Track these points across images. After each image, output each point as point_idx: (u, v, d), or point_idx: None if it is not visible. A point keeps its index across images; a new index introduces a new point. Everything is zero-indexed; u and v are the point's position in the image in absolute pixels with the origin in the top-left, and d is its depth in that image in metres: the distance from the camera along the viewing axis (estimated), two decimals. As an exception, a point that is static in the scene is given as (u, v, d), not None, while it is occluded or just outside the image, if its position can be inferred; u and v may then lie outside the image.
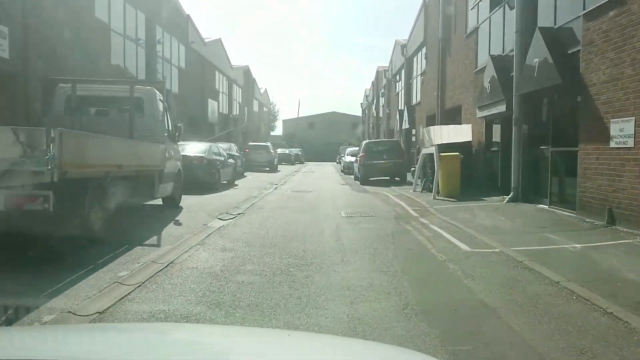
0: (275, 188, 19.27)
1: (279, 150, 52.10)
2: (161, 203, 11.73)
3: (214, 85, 33.63)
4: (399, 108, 32.29)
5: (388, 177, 21.47)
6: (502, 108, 13.17)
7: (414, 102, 28.03)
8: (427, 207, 12.90)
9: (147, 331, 2.24)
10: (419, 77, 26.93)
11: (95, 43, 15.94)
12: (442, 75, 20.94)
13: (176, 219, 10.33)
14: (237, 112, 42.03)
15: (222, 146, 24.31)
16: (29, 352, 1.59)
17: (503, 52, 14.15)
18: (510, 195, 12.68)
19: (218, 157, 18.24)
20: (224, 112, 36.78)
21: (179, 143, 19.64)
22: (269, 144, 34.37)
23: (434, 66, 22.53)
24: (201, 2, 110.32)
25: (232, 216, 10.89)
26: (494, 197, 13.94)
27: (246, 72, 45.96)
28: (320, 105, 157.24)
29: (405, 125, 28.60)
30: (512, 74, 13.00)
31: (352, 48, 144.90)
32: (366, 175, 21.07)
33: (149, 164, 9.89)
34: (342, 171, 33.45)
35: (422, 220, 10.75)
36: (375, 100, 49.01)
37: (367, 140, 23.07)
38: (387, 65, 39.77)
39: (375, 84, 48.52)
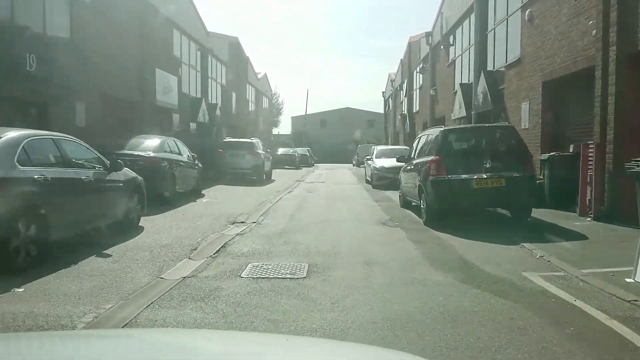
0: (221, 250, 7.33)
1: (280, 151, 40.39)
2: None
3: (169, 51, 21.83)
4: (461, 82, 20.31)
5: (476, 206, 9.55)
6: None
7: (501, 63, 15.99)
8: None
9: (144, 337, 2.17)
10: (512, 18, 14.91)
11: None
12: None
13: None
14: (218, 97, 30.26)
15: (145, 145, 12.59)
16: (25, 358, 1.60)
17: None
18: None
19: (62, 174, 6.45)
20: (192, 94, 24.99)
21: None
22: (255, 140, 22.50)
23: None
24: (202, 2, 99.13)
25: None
26: None
27: (234, 45, 34.14)
28: (329, 105, 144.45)
29: (484, 107, 16.57)
30: None
31: (353, 47, 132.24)
32: (443, 205, 9.12)
33: None
34: (367, 181, 21.70)
35: None
36: (406, 84, 36.97)
37: (444, 128, 10.29)
38: (422, 33, 27.79)
39: (407, 61, 36.49)
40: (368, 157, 21.21)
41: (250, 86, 40.98)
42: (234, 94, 34.71)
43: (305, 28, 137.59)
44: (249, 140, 21.97)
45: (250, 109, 41.25)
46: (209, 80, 28.24)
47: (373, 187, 19.10)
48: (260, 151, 22.00)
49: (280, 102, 61.97)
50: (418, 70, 29.01)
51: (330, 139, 68.92)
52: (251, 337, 2.56)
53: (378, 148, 21.39)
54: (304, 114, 64.52)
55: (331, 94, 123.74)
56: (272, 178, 24.48)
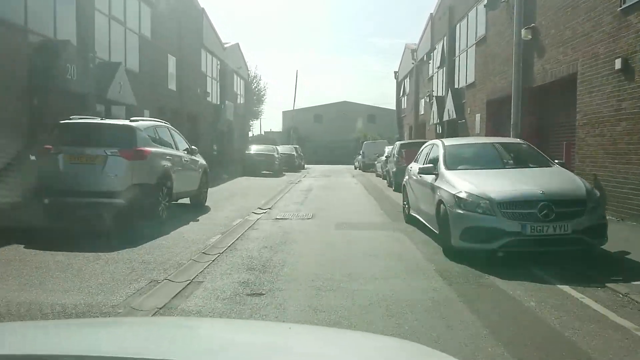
0: None
1: (253, 149, 27.11)
2: None
3: None
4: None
5: None
6: None
7: None
8: None
9: (148, 325, 2.15)
10: None
11: None
12: None
13: None
14: (131, 55, 17.28)
15: None
16: (30, 347, 1.56)
17: None
18: None
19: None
20: (35, 29, 12.02)
21: None
22: (140, 124, 9.20)
23: None
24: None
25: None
26: None
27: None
28: (325, 101, 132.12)
29: None
30: None
31: (353, 43, 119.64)
32: None
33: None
34: (409, 218, 9.31)
35: None
36: (443, 48, 24.06)
37: None
38: None
39: (444, 12, 23.50)
40: (424, 167, 8.17)
41: (209, 54, 27.98)
42: (172, 59, 21.72)
43: (302, 23, 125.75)
44: (120, 122, 8.88)
45: (209, 89, 28.26)
46: (106, 18, 15.23)
47: (458, 248, 6.36)
48: (157, 149, 9.05)
49: (263, 87, 48.73)
50: (486, 3, 16.05)
51: (327, 135, 59.55)
52: (254, 326, 2.53)
53: (447, 144, 8.40)
54: (293, 103, 52.67)
55: (330, 91, 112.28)
56: (207, 204, 11.76)
